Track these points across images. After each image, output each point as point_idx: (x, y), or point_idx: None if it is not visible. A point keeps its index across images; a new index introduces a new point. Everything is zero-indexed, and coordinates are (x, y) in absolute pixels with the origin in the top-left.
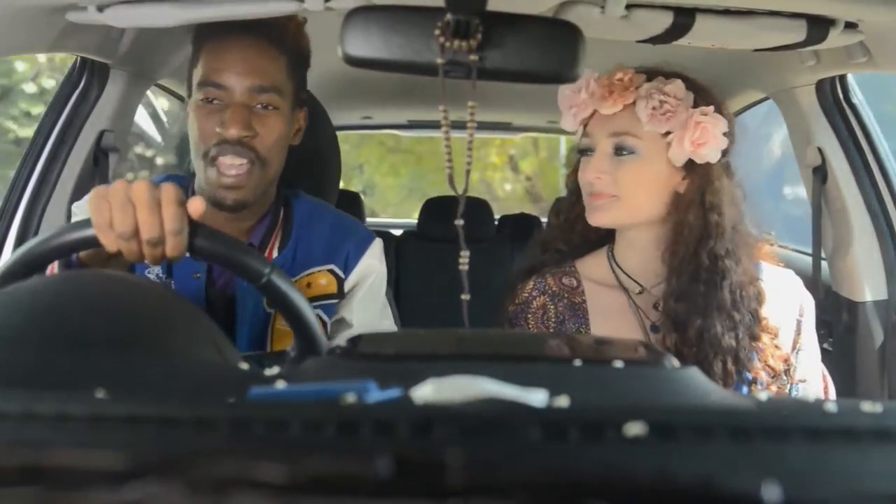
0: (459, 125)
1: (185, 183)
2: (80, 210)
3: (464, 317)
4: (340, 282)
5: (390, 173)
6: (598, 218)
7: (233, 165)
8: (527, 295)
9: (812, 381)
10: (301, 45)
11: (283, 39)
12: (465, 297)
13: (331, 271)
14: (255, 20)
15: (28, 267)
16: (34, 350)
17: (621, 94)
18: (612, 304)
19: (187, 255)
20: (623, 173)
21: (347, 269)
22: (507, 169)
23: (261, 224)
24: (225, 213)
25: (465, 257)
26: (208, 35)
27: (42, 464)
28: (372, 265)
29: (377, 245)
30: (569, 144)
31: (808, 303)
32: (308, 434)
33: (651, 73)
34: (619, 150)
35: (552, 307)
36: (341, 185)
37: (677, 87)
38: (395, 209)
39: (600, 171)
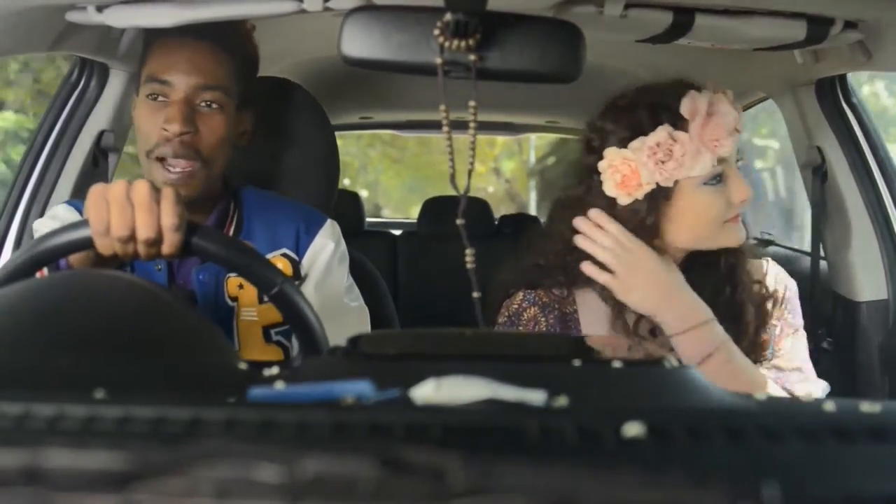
0: (458, 125)
1: None
2: (43, 227)
3: (476, 315)
4: (296, 264)
5: (394, 177)
6: (740, 237)
7: (177, 165)
8: (517, 307)
9: (804, 366)
10: (248, 50)
11: (231, 42)
12: (476, 294)
13: (285, 255)
14: (202, 24)
15: (21, 272)
16: (32, 350)
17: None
18: (603, 312)
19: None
20: None
21: (301, 251)
22: (492, 174)
23: (210, 217)
24: None
25: (470, 255)
26: (157, 35)
27: (40, 464)
28: (325, 244)
29: (331, 225)
30: (537, 154)
31: (791, 287)
32: (306, 435)
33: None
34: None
35: (543, 319)
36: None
37: None
38: (396, 204)
39: None
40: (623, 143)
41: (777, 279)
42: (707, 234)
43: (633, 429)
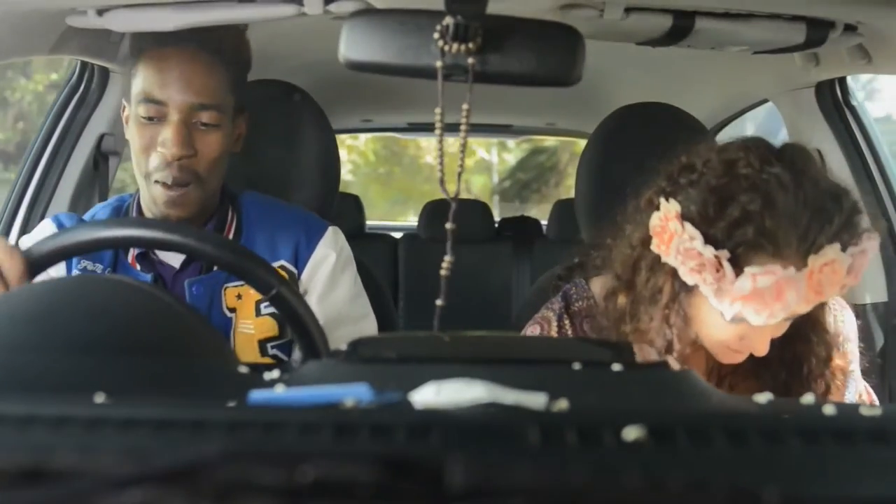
0: (457, 128)
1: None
2: (27, 243)
3: (434, 322)
4: (293, 277)
5: (381, 194)
6: (733, 360)
7: (174, 188)
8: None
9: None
10: (242, 55)
11: (223, 49)
12: (440, 303)
13: (282, 268)
14: (193, 31)
15: None
16: (35, 354)
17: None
18: None
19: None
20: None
21: (300, 263)
22: (463, 191)
23: (208, 225)
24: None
25: (447, 262)
26: (146, 44)
27: (43, 467)
28: (327, 255)
29: (332, 233)
30: (500, 176)
31: (852, 320)
32: (306, 438)
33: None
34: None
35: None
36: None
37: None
38: (383, 212)
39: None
40: (688, 214)
41: (835, 310)
42: (707, 344)
43: (633, 432)
